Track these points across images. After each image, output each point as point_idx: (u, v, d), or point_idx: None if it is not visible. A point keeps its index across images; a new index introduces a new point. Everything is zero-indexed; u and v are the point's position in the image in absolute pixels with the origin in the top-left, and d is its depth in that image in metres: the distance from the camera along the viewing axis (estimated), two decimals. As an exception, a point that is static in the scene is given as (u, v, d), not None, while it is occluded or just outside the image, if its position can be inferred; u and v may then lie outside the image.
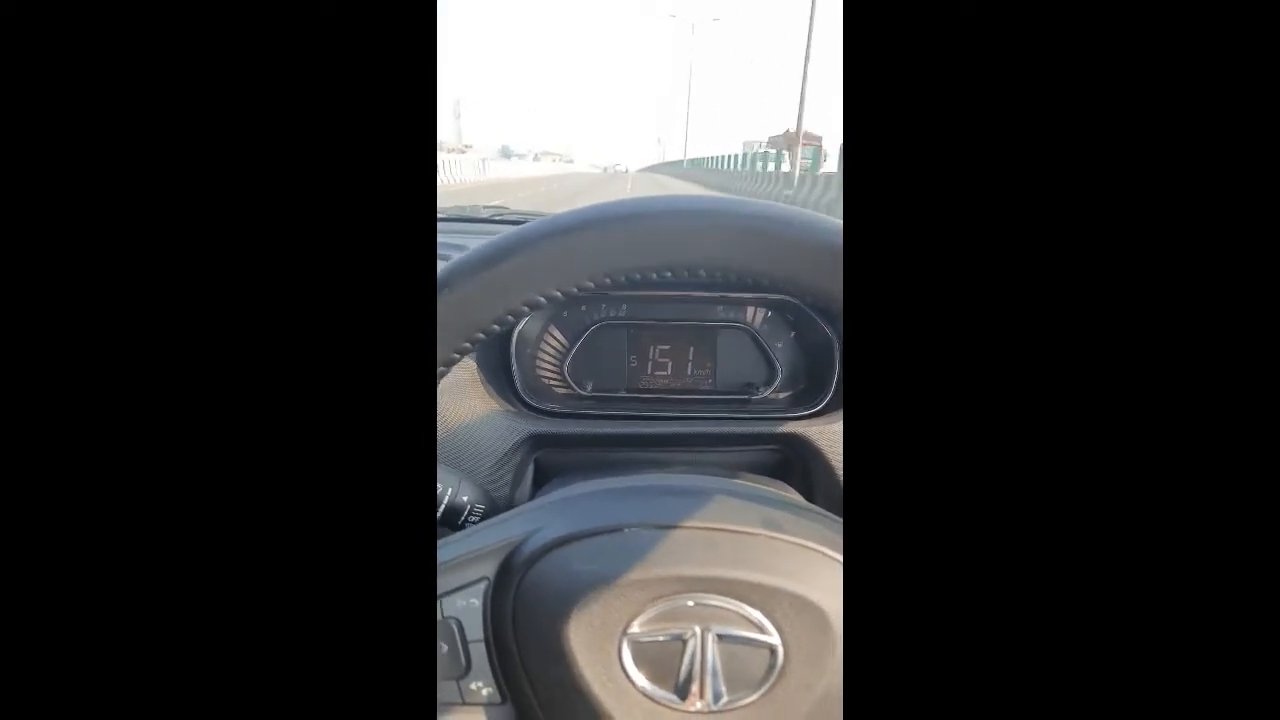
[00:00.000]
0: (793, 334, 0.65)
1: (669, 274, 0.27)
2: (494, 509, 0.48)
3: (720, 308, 0.64)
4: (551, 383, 0.64)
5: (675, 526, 0.29)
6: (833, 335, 0.63)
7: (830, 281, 0.27)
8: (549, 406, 0.60)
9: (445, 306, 0.27)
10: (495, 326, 0.28)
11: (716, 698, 0.28)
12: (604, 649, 0.28)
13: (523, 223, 0.87)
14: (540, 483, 0.60)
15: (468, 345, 0.28)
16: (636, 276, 0.27)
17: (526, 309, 0.28)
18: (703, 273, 0.27)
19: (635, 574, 0.28)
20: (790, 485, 0.59)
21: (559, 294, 0.28)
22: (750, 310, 0.65)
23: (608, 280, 0.27)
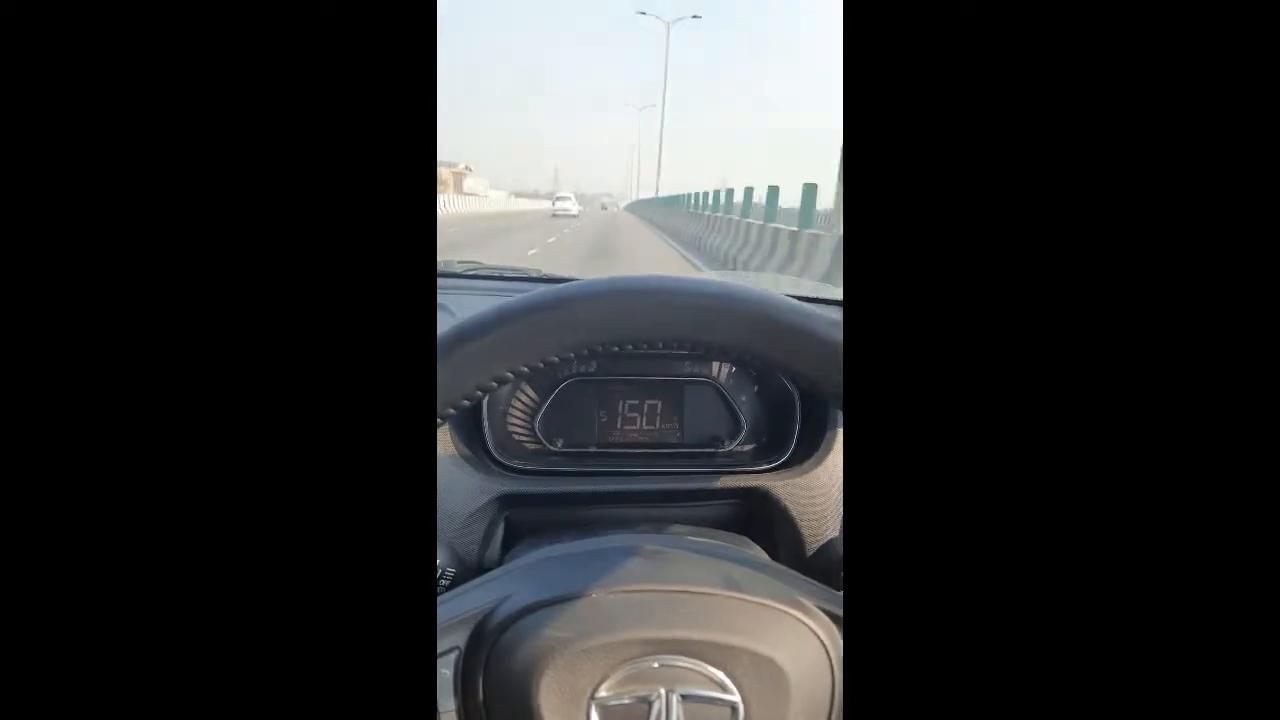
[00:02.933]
0: (756, 388, 0.68)
1: (629, 346, 0.31)
2: (463, 570, 0.49)
3: (687, 363, 0.67)
4: (522, 439, 0.65)
5: (639, 590, 0.31)
6: (793, 390, 0.65)
7: (771, 348, 0.31)
8: (519, 464, 0.62)
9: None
10: (466, 401, 0.31)
11: None
12: (573, 714, 0.29)
13: (496, 278, 0.88)
14: (510, 541, 0.61)
15: (444, 416, 0.30)
16: (599, 349, 0.31)
17: (495, 385, 0.31)
18: (660, 345, 0.31)
19: (602, 638, 0.29)
20: (753, 538, 0.61)
21: (526, 370, 0.31)
22: (716, 365, 0.67)
23: (571, 355, 0.31)
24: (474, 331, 0.30)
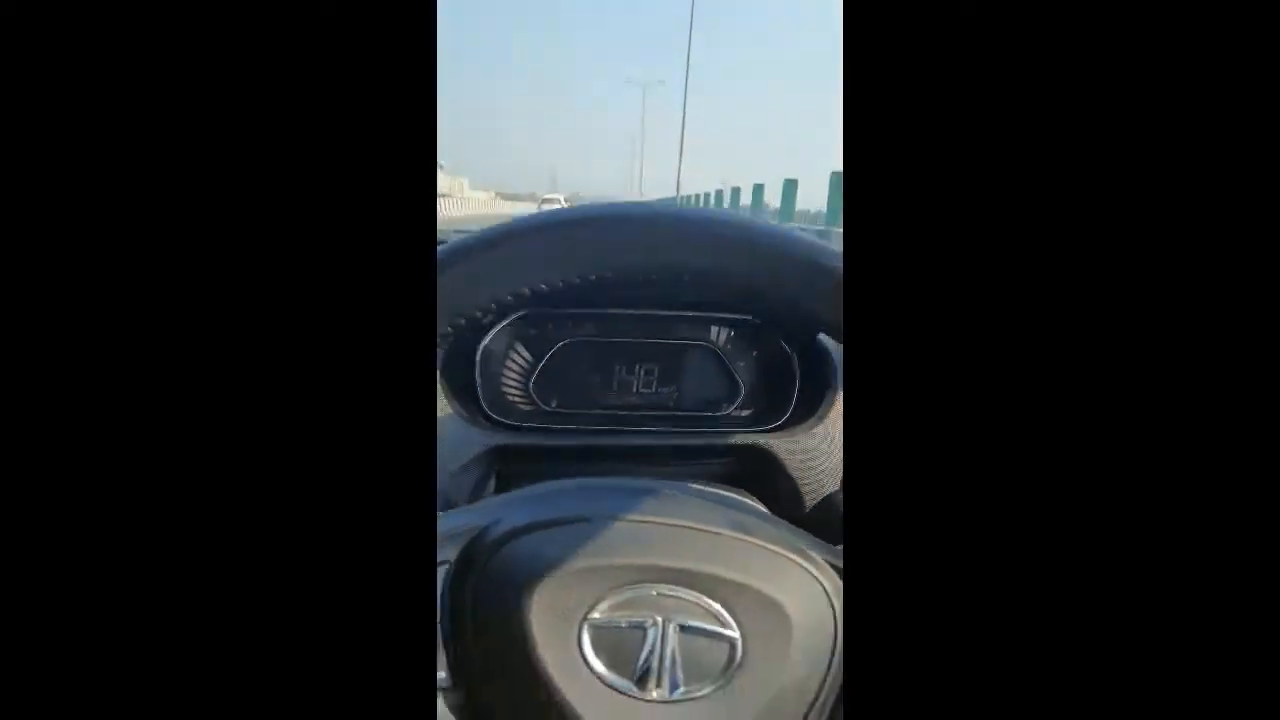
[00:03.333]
0: (754, 352, 0.67)
1: (654, 276, 0.30)
2: None
3: (684, 326, 0.66)
4: (516, 399, 0.64)
5: (642, 520, 0.30)
6: (792, 353, 0.64)
7: (789, 279, 0.30)
8: (513, 421, 0.61)
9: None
10: (462, 320, 0.30)
11: (674, 688, 0.28)
12: (563, 634, 0.28)
13: None
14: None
15: (451, 328, 0.30)
16: (624, 276, 0.30)
17: (511, 300, 0.30)
18: (686, 277, 0.30)
19: (600, 560, 0.28)
20: (752, 494, 0.60)
21: (545, 288, 0.30)
22: (714, 329, 0.66)
23: (594, 277, 0.30)
24: (495, 240, 0.29)
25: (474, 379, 0.61)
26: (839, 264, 0.30)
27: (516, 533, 0.29)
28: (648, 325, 0.65)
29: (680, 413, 0.66)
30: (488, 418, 0.60)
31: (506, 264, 0.29)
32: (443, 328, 0.29)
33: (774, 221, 0.38)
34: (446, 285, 0.29)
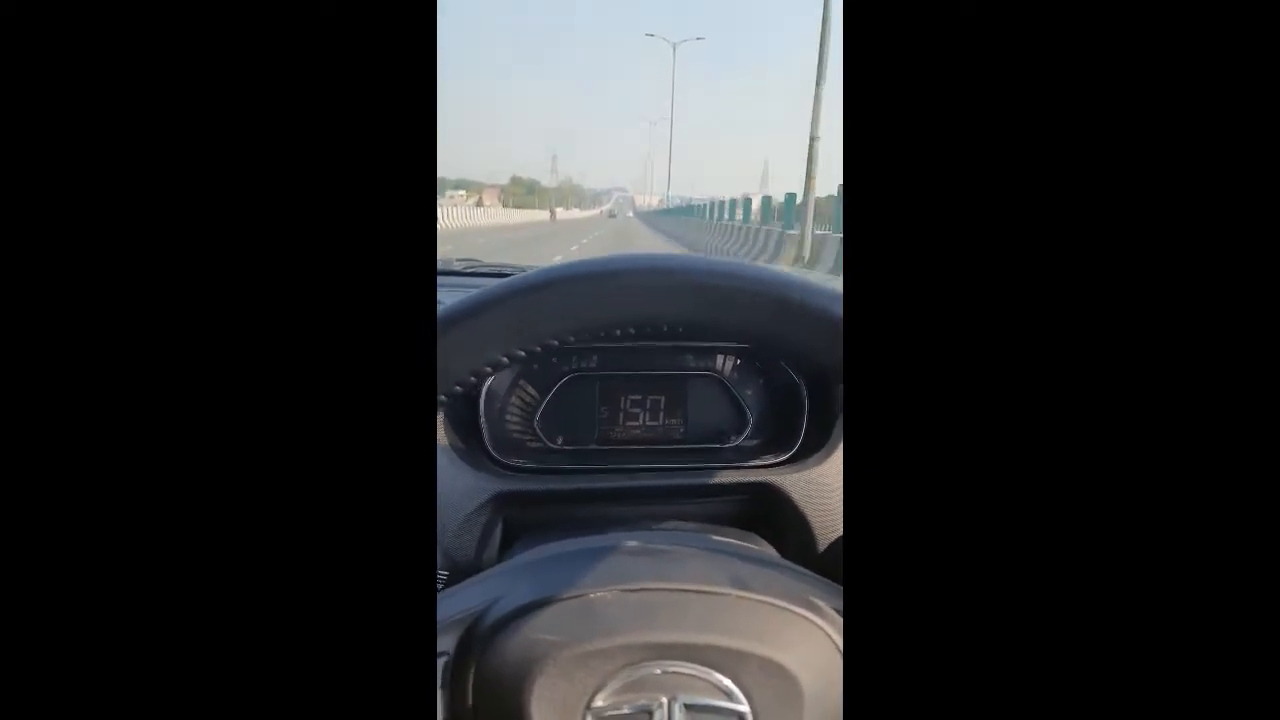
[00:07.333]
0: (762, 380, 0.66)
1: (632, 330, 0.29)
2: (458, 573, 0.47)
3: (690, 356, 0.65)
4: (521, 437, 0.63)
5: (641, 589, 0.29)
6: (800, 381, 0.63)
7: (786, 329, 0.29)
8: (518, 462, 0.60)
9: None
10: (459, 388, 0.29)
11: None
12: None
13: (495, 275, 0.87)
14: (508, 542, 0.59)
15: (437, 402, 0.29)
16: (601, 334, 0.29)
17: (490, 370, 0.29)
18: (665, 328, 0.29)
19: (599, 642, 0.27)
20: (761, 535, 0.59)
21: (523, 353, 0.29)
22: (720, 358, 0.65)
23: (572, 339, 0.29)
24: (468, 311, 0.28)
25: (478, 419, 0.60)
26: (833, 305, 0.29)
27: (513, 616, 0.28)
28: (653, 356, 0.65)
29: (688, 444, 0.65)
30: (492, 459, 0.60)
31: (499, 329, 0.28)
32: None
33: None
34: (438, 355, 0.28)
